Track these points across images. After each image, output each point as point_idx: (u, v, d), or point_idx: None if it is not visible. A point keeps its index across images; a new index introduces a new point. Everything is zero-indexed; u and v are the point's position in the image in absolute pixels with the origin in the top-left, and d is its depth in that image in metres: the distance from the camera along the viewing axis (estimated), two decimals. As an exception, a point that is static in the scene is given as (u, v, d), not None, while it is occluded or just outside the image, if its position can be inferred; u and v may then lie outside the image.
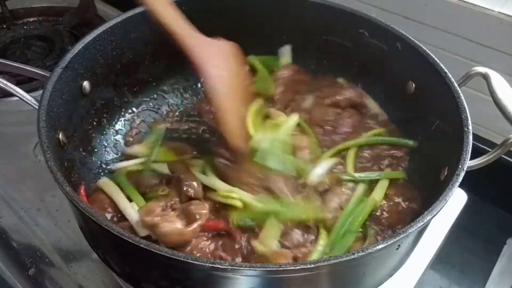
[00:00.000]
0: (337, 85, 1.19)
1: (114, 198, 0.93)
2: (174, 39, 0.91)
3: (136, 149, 1.07)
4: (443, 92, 0.91)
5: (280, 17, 1.18)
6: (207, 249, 0.86)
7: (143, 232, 0.86)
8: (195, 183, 0.95)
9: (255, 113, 1.03)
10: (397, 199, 0.98)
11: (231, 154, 0.97)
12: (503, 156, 0.82)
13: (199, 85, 1.23)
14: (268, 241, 0.85)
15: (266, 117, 1.10)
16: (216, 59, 0.93)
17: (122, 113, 1.15)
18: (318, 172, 0.99)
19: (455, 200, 1.10)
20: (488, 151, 0.83)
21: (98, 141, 1.07)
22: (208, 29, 1.18)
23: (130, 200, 0.93)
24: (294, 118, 1.08)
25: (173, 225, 0.85)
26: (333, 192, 0.97)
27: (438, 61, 0.95)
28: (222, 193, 0.92)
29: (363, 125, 1.12)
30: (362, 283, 0.77)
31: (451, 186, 0.75)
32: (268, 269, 0.65)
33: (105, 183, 0.96)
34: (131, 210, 0.90)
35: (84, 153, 1.01)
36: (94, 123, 1.06)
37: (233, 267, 0.63)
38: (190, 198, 0.93)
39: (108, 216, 0.91)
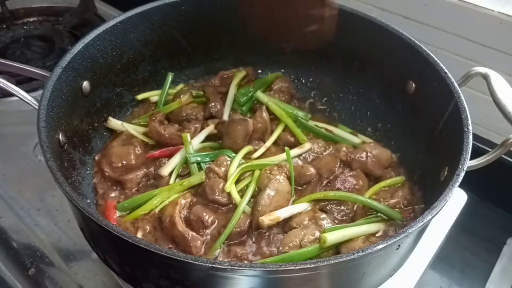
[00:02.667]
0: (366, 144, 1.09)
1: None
2: None
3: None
4: (443, 92, 0.92)
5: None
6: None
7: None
8: (218, 105, 1.13)
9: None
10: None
11: None
12: (503, 156, 0.82)
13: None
14: None
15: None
16: None
17: (122, 113, 1.15)
18: (279, 214, 0.91)
19: (455, 200, 1.10)
20: (488, 151, 0.83)
21: (98, 141, 1.07)
22: (209, 29, 1.19)
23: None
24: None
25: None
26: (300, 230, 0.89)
27: (438, 61, 0.95)
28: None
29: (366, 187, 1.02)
30: (362, 283, 0.77)
31: (451, 186, 0.75)
32: (268, 269, 0.65)
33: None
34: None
35: (84, 153, 1.01)
36: (94, 123, 1.06)
37: (233, 267, 0.63)
38: (211, 116, 1.13)
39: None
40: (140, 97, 1.17)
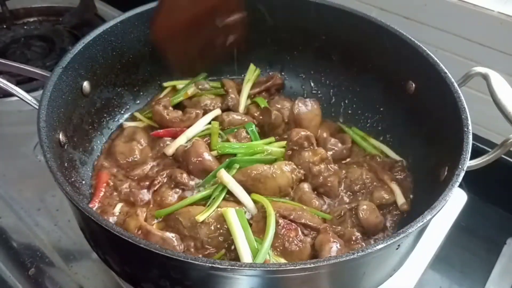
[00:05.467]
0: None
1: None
2: None
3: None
4: (443, 92, 0.92)
5: (279, 17, 1.18)
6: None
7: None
8: (235, 98, 1.17)
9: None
10: None
11: None
12: (503, 156, 0.83)
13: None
14: None
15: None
16: None
17: (122, 113, 1.15)
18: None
19: (455, 200, 1.10)
20: (488, 151, 0.84)
21: (98, 141, 1.07)
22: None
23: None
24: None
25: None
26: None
27: (438, 61, 0.96)
28: None
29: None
30: (362, 283, 0.77)
31: (451, 186, 0.75)
32: (268, 269, 0.65)
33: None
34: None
35: (84, 153, 1.01)
36: (94, 123, 1.06)
37: (233, 267, 0.63)
38: (228, 108, 1.16)
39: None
40: (166, 84, 1.21)
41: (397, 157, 1.09)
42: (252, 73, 1.23)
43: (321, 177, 0.99)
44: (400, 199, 0.99)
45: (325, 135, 1.13)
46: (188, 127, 1.09)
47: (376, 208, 0.95)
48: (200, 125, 1.09)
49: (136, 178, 1.01)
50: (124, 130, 1.10)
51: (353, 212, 0.94)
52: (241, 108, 1.17)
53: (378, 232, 0.95)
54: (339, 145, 1.08)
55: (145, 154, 1.05)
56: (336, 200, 1.01)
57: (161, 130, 1.09)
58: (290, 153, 1.04)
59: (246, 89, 1.19)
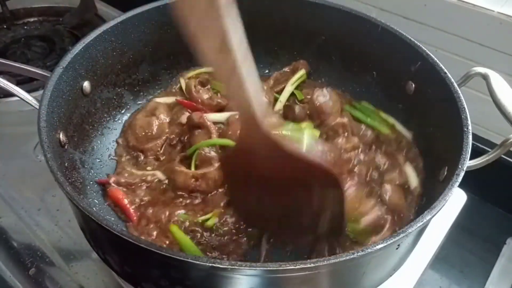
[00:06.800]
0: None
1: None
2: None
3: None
4: (443, 92, 0.92)
5: (279, 17, 1.19)
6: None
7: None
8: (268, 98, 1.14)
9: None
10: None
11: None
12: (502, 156, 0.83)
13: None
14: None
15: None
16: None
17: (123, 113, 1.15)
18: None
19: (455, 200, 1.10)
20: (488, 151, 0.83)
21: (99, 141, 1.07)
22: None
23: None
24: None
25: None
26: None
27: (438, 61, 0.96)
28: None
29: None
30: (361, 283, 0.77)
31: (451, 186, 0.75)
32: (268, 268, 0.65)
33: None
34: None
35: (84, 153, 1.01)
36: (95, 123, 1.06)
37: (233, 267, 0.63)
38: None
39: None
40: (189, 75, 1.22)
41: (406, 132, 1.08)
42: (298, 74, 1.21)
43: (349, 164, 1.00)
44: (413, 182, 0.99)
45: (353, 122, 1.11)
46: (212, 111, 1.12)
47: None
48: (223, 117, 1.10)
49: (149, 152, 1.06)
50: (147, 105, 1.14)
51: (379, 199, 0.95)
52: (277, 107, 1.15)
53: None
54: (369, 132, 1.09)
55: (161, 130, 1.08)
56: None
57: (186, 101, 1.13)
58: (324, 137, 1.05)
59: (286, 91, 1.18)
